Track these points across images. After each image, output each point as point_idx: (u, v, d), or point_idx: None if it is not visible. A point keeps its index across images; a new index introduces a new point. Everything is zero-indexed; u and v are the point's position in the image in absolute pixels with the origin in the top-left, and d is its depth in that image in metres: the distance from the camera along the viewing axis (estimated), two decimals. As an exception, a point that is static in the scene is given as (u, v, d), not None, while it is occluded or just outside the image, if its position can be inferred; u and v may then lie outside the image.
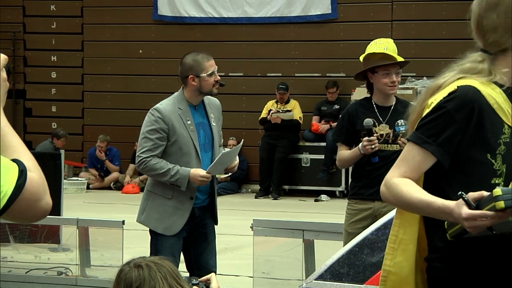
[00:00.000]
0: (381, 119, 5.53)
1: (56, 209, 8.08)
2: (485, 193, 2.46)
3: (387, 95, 5.55)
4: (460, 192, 2.48)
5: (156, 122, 5.31)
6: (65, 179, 12.58)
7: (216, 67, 5.43)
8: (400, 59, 5.59)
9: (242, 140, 5.83)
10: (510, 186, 2.59)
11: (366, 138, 5.42)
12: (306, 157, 13.96)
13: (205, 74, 5.35)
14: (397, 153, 5.37)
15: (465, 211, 2.44)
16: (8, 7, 16.20)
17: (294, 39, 14.93)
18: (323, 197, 13.51)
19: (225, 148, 5.61)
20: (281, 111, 14.13)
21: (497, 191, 2.40)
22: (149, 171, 5.36)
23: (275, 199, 13.74)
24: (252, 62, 15.07)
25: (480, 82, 2.68)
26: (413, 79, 13.49)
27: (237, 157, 5.60)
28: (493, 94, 2.66)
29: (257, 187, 14.40)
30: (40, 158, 7.31)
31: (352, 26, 14.37)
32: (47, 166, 8.17)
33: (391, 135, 5.50)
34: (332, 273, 4.38)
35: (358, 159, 5.49)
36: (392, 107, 5.57)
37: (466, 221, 2.45)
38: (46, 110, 16.21)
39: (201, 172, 5.27)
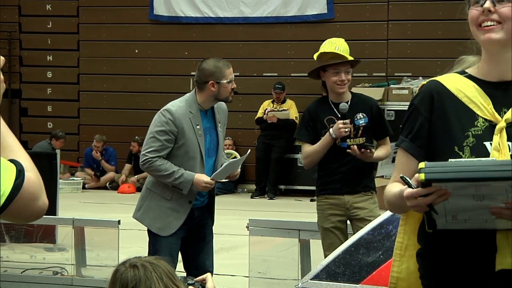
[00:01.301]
0: (339, 115, 5.62)
1: (51, 209, 8.07)
2: None
3: (338, 93, 5.67)
4: (400, 175, 2.51)
5: (167, 123, 5.30)
6: (61, 178, 12.57)
7: (233, 75, 5.44)
8: (350, 58, 5.71)
9: (249, 150, 5.87)
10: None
11: (341, 121, 5.52)
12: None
13: (225, 81, 5.38)
14: (360, 147, 5.49)
15: (406, 190, 2.47)
16: (4, 7, 16.18)
17: (290, 39, 14.94)
18: (319, 197, 13.50)
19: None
20: (277, 111, 14.14)
21: (421, 164, 2.38)
22: (153, 172, 5.34)
23: (271, 199, 13.74)
24: (248, 62, 15.06)
25: (451, 76, 2.73)
26: (409, 79, 13.50)
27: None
28: (462, 88, 2.69)
29: (253, 187, 14.40)
30: (36, 158, 7.30)
31: (348, 26, 14.38)
32: (42, 166, 8.16)
33: (352, 129, 5.60)
34: (328, 273, 4.38)
35: (329, 146, 5.57)
36: (348, 103, 5.68)
37: (408, 200, 2.46)
38: (42, 109, 16.19)
39: (205, 178, 5.27)
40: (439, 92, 2.69)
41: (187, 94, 5.47)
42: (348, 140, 5.58)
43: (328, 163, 5.65)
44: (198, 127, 5.33)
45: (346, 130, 5.51)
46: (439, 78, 2.74)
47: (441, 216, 2.47)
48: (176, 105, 5.39)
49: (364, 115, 5.62)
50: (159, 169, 5.27)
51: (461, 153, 2.63)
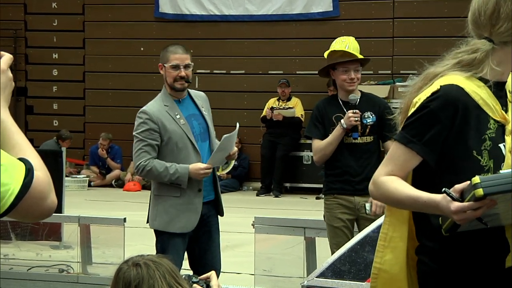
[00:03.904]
0: (347, 111, 5.66)
1: (57, 207, 8.08)
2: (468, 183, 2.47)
3: (347, 91, 5.69)
4: (443, 189, 2.50)
5: (145, 123, 5.30)
6: (67, 176, 12.59)
7: (186, 62, 5.41)
8: (360, 56, 5.72)
9: (238, 124, 5.75)
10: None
11: (351, 110, 5.59)
12: (307, 154, 13.96)
13: (168, 65, 5.39)
14: (368, 145, 5.57)
15: (454, 205, 2.46)
16: (10, 5, 16.20)
17: (295, 36, 14.93)
18: (325, 194, 13.49)
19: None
20: (282, 109, 14.13)
21: (475, 179, 2.40)
22: (148, 175, 5.33)
23: (276, 196, 13.73)
24: (254, 60, 15.06)
25: (465, 77, 2.69)
26: (415, 77, 13.43)
27: (236, 148, 5.58)
28: (477, 90, 2.67)
29: (258, 184, 14.40)
30: (42, 155, 7.33)
31: (353, 23, 14.37)
32: (48, 164, 8.17)
33: (360, 128, 5.64)
34: (333, 271, 4.38)
35: (340, 138, 5.61)
36: (357, 101, 5.70)
37: (455, 214, 2.46)
38: (48, 107, 16.21)
39: (201, 165, 5.25)
40: (463, 100, 2.65)
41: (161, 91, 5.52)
42: (356, 138, 5.63)
43: (336, 161, 5.66)
44: (178, 116, 5.34)
45: (356, 119, 5.55)
46: (456, 81, 2.68)
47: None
48: (150, 104, 5.44)
49: (372, 114, 5.65)
50: (152, 171, 5.25)
51: (479, 157, 2.63)
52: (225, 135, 5.34)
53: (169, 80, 5.40)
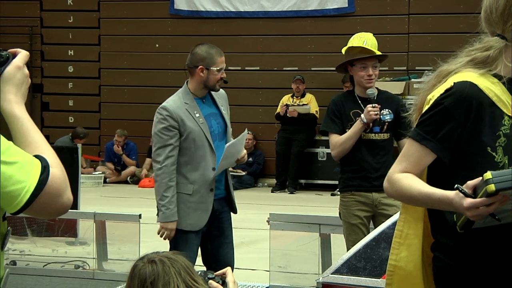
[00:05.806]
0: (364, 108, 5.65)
1: (73, 203, 8.10)
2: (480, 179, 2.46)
3: (365, 87, 5.67)
4: (456, 185, 2.50)
5: (165, 120, 5.29)
6: (82, 173, 12.62)
7: (225, 65, 5.45)
8: (378, 53, 5.69)
9: (246, 129, 5.80)
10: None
11: (370, 104, 5.57)
12: (322, 151, 13.96)
13: (215, 68, 5.36)
14: (384, 142, 5.54)
15: (466, 201, 2.45)
16: (26, 2, 16.27)
17: (310, 33, 14.91)
18: (340, 191, 13.47)
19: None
20: (297, 105, 14.12)
21: (487, 174, 2.39)
22: (160, 182, 5.28)
23: (291, 193, 13.74)
24: (268, 56, 15.06)
25: (478, 74, 2.68)
26: (430, 73, 13.41)
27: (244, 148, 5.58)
28: (491, 87, 2.67)
29: (273, 181, 14.41)
30: (57, 152, 7.36)
31: (369, 20, 14.33)
32: (64, 160, 8.19)
33: (378, 123, 5.63)
34: (348, 267, 4.38)
35: (360, 133, 5.59)
36: (375, 96, 5.69)
37: (468, 210, 2.46)
38: (63, 104, 16.27)
39: (170, 225, 5.29)
40: (476, 97, 2.64)
41: (181, 88, 5.49)
42: (373, 134, 5.62)
43: (353, 158, 5.65)
44: (197, 115, 5.32)
45: (376, 113, 5.54)
46: (469, 78, 2.68)
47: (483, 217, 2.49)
48: (170, 100, 5.41)
49: (390, 111, 5.64)
50: (161, 178, 5.25)
51: (494, 153, 2.63)
52: (227, 144, 5.36)
53: (212, 82, 5.37)
